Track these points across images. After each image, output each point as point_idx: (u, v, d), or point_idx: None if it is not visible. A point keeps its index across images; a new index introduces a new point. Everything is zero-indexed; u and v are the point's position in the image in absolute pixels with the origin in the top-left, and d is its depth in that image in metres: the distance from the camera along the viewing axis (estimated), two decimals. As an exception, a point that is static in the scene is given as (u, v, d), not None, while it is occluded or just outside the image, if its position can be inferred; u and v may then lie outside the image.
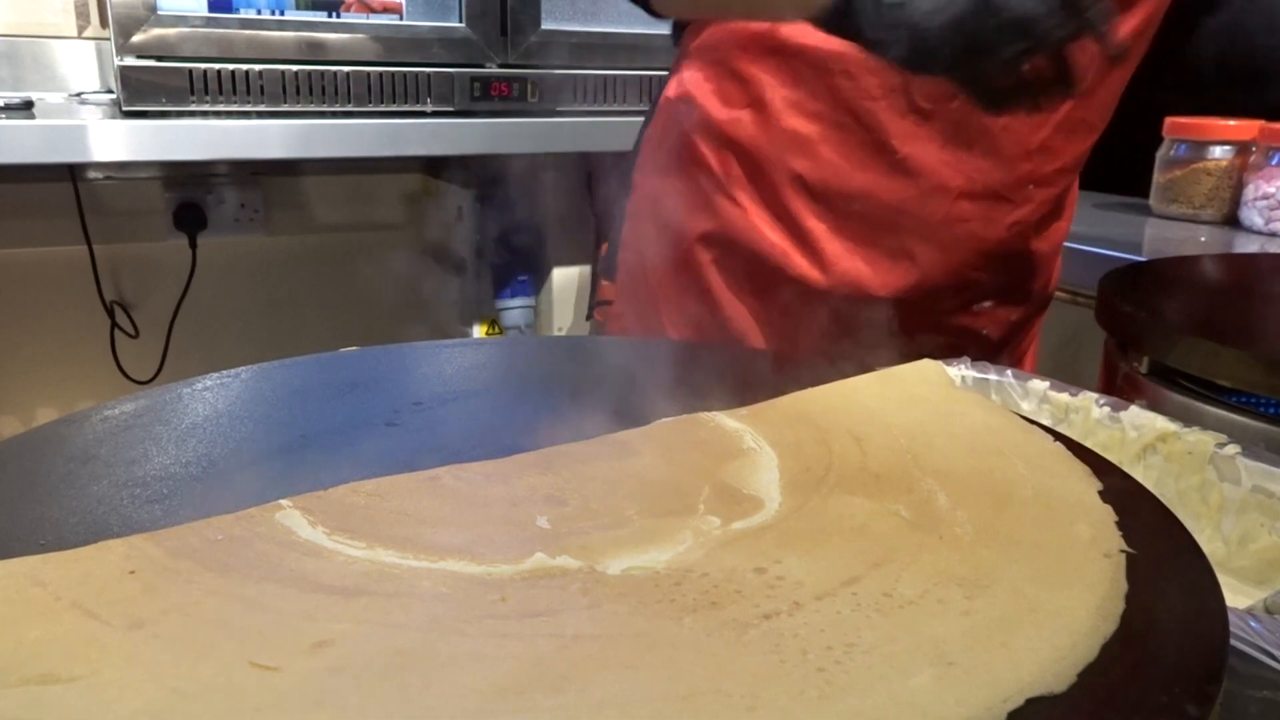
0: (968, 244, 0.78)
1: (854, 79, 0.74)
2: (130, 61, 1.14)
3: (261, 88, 1.18)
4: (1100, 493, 0.35)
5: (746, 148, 0.78)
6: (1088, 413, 0.51)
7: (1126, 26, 0.73)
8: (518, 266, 1.49)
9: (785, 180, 0.77)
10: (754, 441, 0.40)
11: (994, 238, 0.78)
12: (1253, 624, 0.29)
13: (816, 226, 0.77)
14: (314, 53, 1.21)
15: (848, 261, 0.76)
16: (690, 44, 0.85)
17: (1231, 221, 1.11)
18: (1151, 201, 1.18)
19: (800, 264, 0.76)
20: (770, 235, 0.78)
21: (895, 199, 0.76)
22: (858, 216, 0.76)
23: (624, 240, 0.86)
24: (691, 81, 0.81)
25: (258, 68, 1.18)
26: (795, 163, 0.77)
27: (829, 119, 0.75)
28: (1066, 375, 0.55)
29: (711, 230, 0.79)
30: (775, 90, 0.77)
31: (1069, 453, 0.39)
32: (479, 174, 1.44)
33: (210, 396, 0.47)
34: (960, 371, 0.55)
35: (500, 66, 1.31)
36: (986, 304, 0.81)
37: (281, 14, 1.21)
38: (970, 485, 0.35)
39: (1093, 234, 1.05)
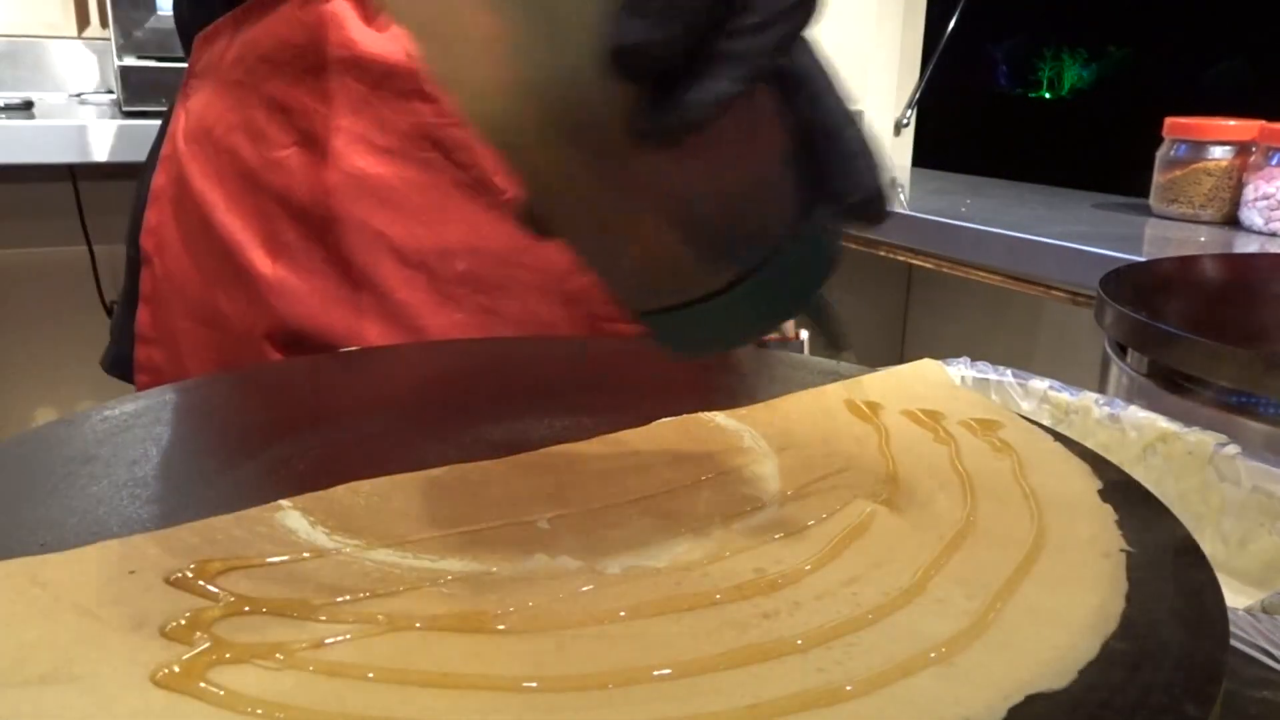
0: (599, 292, 0.63)
1: (434, 101, 0.57)
2: (130, 61, 1.14)
3: (261, 88, 1.18)
4: (1100, 492, 0.35)
5: (298, 203, 0.58)
6: (1088, 413, 0.51)
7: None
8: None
9: (365, 243, 0.58)
10: (754, 441, 0.40)
11: None
12: (1253, 624, 0.29)
13: (414, 300, 0.60)
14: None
15: (458, 338, 0.61)
16: (201, 59, 0.63)
17: (1231, 221, 1.11)
18: (1151, 201, 1.18)
19: None
20: (346, 320, 0.59)
21: (507, 249, 0.60)
22: (465, 280, 0.61)
23: (147, 361, 0.64)
24: (207, 113, 0.61)
25: (258, 68, 1.17)
26: (372, 218, 0.58)
27: (409, 156, 0.58)
28: (1066, 375, 0.55)
29: (274, 327, 0.59)
30: (329, 121, 0.57)
31: (1069, 452, 0.39)
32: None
33: (210, 396, 0.47)
34: (960, 371, 0.55)
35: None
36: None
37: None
38: (970, 485, 0.35)
39: (1093, 234, 1.05)
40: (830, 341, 0.33)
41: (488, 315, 0.63)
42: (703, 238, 0.28)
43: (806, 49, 0.32)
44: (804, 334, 0.85)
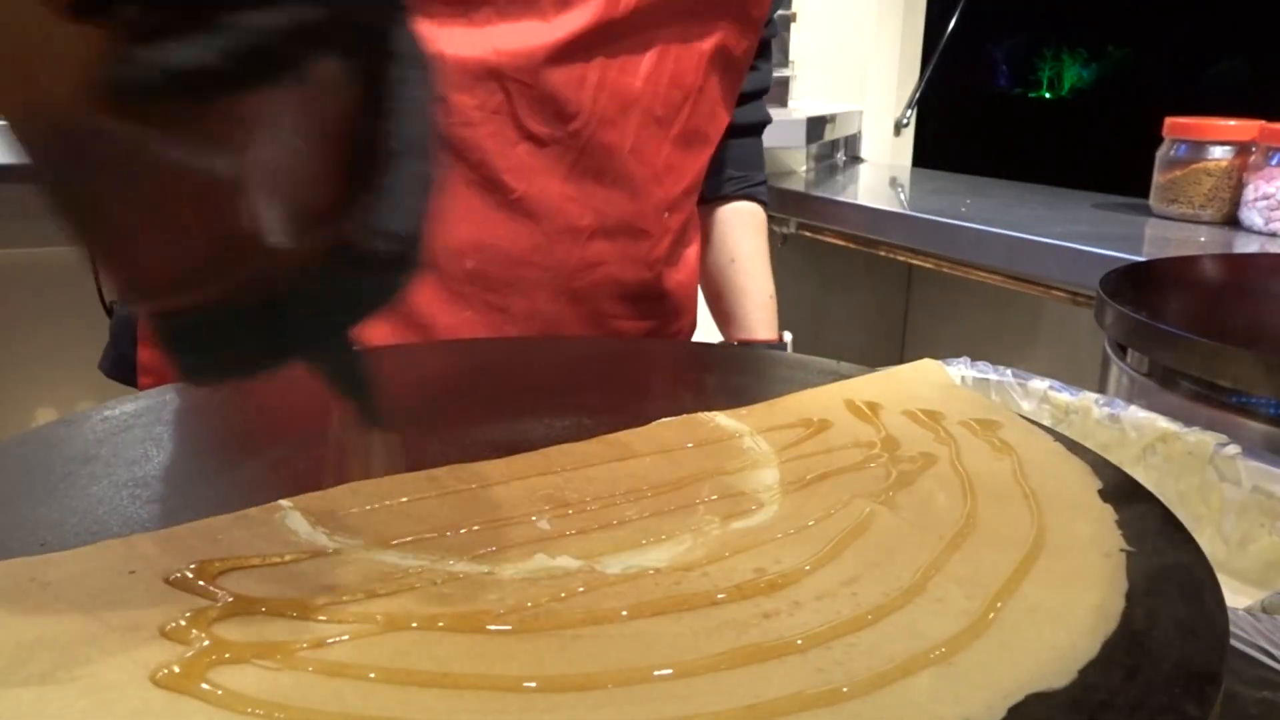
0: (606, 290, 0.67)
1: (443, 100, 0.57)
2: (130, 61, 1.14)
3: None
4: (1100, 492, 0.35)
5: None
6: (1088, 413, 0.51)
7: (720, 31, 0.68)
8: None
9: None
10: (753, 441, 0.40)
11: (633, 279, 0.69)
12: (1253, 624, 0.29)
13: (423, 298, 0.62)
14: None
15: (467, 336, 0.62)
16: None
17: (1231, 221, 1.11)
18: (1151, 201, 1.18)
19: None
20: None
21: (516, 249, 0.62)
22: (474, 278, 0.62)
23: (151, 363, 0.64)
24: None
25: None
26: None
27: None
28: (1066, 375, 0.55)
29: None
30: None
31: (1069, 452, 0.39)
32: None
33: (210, 396, 0.47)
34: (960, 371, 0.55)
35: None
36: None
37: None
38: (970, 485, 0.35)
39: (1093, 234, 1.05)
40: (355, 402, 0.31)
41: (496, 313, 0.63)
42: (206, 231, 0.25)
43: (406, 64, 0.27)
44: (788, 335, 0.85)
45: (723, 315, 0.86)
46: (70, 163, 0.24)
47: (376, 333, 0.61)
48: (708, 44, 0.68)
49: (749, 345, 0.83)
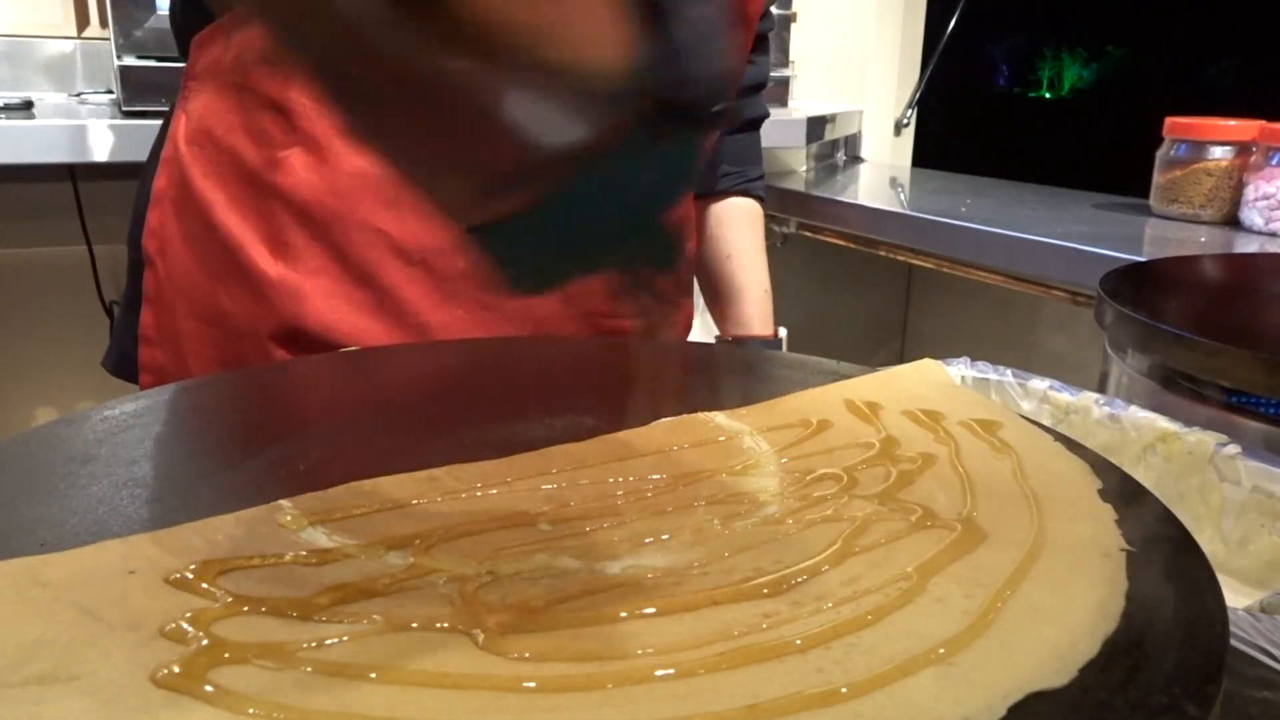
0: (598, 289, 0.65)
1: None
2: (130, 61, 1.14)
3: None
4: (1100, 492, 0.35)
5: (300, 202, 0.58)
6: (1088, 413, 0.51)
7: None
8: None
9: (367, 242, 0.59)
10: (754, 441, 0.40)
11: (626, 277, 0.69)
12: (1253, 624, 0.29)
13: (415, 297, 0.61)
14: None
15: (460, 334, 0.61)
16: (199, 61, 0.62)
17: (1231, 221, 1.11)
18: (1151, 201, 1.18)
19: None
20: (349, 318, 0.59)
21: None
22: (465, 277, 0.61)
23: (151, 362, 0.65)
24: (208, 115, 0.60)
25: (257, 68, 1.17)
26: (374, 217, 0.59)
27: None
28: (1066, 375, 0.55)
29: (278, 326, 0.59)
30: (325, 120, 0.57)
31: (1069, 452, 0.39)
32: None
33: (211, 396, 0.47)
34: (960, 371, 0.55)
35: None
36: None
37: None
38: (970, 485, 0.35)
39: (1093, 234, 1.05)
40: (657, 263, 0.30)
41: (489, 312, 0.63)
42: (519, 135, 0.23)
43: None
44: (783, 331, 0.85)
45: (719, 311, 0.86)
46: (365, 82, 0.23)
47: (370, 333, 0.61)
48: None
49: (744, 341, 0.83)
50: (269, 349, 0.60)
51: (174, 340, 0.64)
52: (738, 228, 0.84)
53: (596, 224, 0.26)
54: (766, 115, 0.87)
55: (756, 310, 0.83)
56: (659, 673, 0.24)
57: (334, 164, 0.58)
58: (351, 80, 0.23)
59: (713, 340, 0.88)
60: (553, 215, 0.25)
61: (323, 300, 0.60)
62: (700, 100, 0.25)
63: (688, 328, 0.81)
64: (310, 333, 0.60)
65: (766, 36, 0.82)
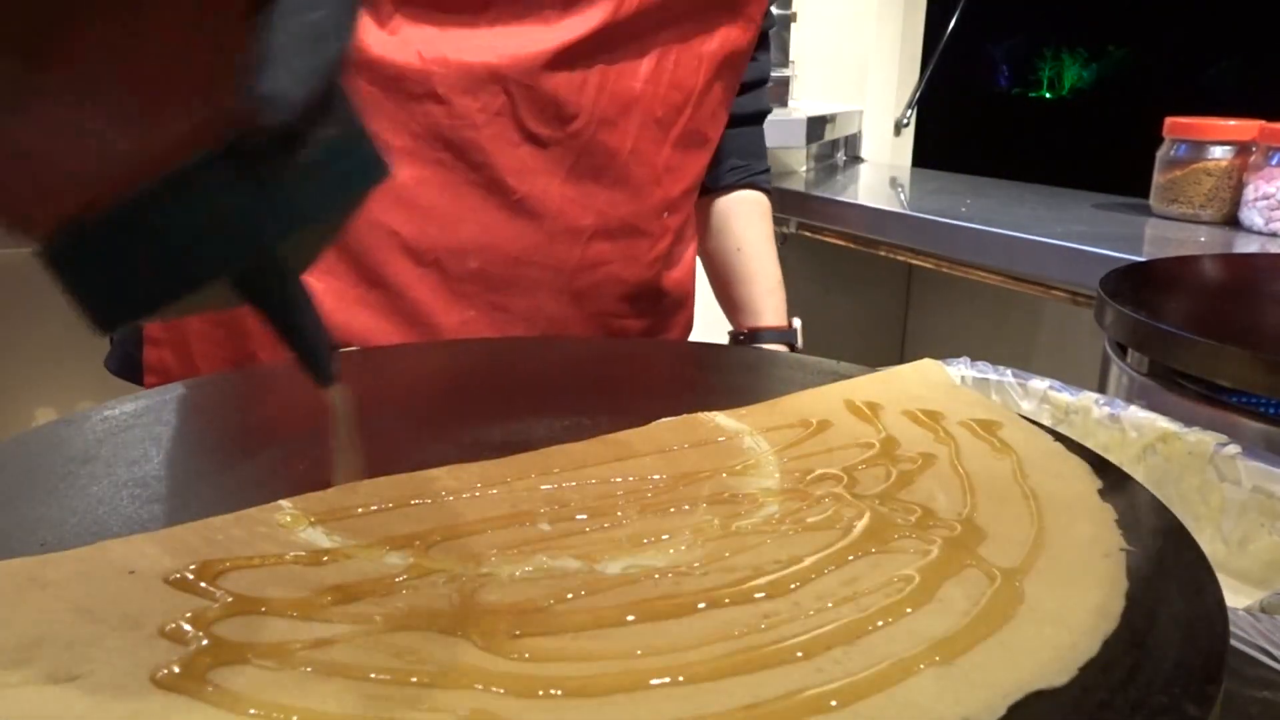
0: (607, 290, 0.68)
1: (447, 103, 0.59)
2: (130, 61, 1.14)
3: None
4: (1100, 492, 0.35)
5: None
6: (1088, 413, 0.51)
7: (722, 33, 0.68)
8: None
9: (378, 242, 0.61)
10: (754, 441, 0.40)
11: (634, 278, 0.69)
12: (1253, 624, 0.29)
13: (426, 298, 0.62)
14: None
15: (471, 335, 0.62)
16: None
17: (1231, 221, 1.11)
18: (1151, 201, 1.18)
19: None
20: (359, 318, 0.61)
21: (518, 249, 0.63)
22: (476, 278, 0.63)
23: (157, 363, 0.65)
24: None
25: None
26: (385, 217, 0.60)
27: (421, 156, 0.60)
28: (1066, 375, 0.55)
29: None
30: None
31: (1069, 452, 0.39)
32: None
33: (211, 396, 0.47)
34: (960, 371, 0.55)
35: None
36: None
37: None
38: (970, 485, 0.35)
39: (1093, 234, 1.05)
40: (297, 352, 0.27)
41: (498, 312, 0.64)
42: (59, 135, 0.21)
43: None
44: (796, 322, 0.85)
45: (731, 303, 0.86)
46: None
47: (381, 333, 0.61)
48: (709, 46, 0.68)
49: (758, 333, 0.83)
50: (279, 348, 0.60)
51: (182, 341, 0.64)
52: (746, 220, 0.84)
53: (180, 253, 0.23)
54: (768, 110, 0.87)
55: (769, 301, 0.83)
56: (659, 673, 0.24)
57: None
58: None
59: (721, 335, 0.88)
60: (123, 234, 0.23)
61: (334, 301, 0.61)
62: (278, 125, 0.22)
63: (688, 328, 0.81)
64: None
65: (767, 33, 0.82)
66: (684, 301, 0.78)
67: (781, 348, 0.82)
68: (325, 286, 0.61)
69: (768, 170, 0.87)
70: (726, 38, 0.69)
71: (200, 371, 0.64)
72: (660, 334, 0.76)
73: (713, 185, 0.82)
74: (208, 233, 0.22)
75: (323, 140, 0.23)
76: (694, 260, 0.79)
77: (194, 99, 0.21)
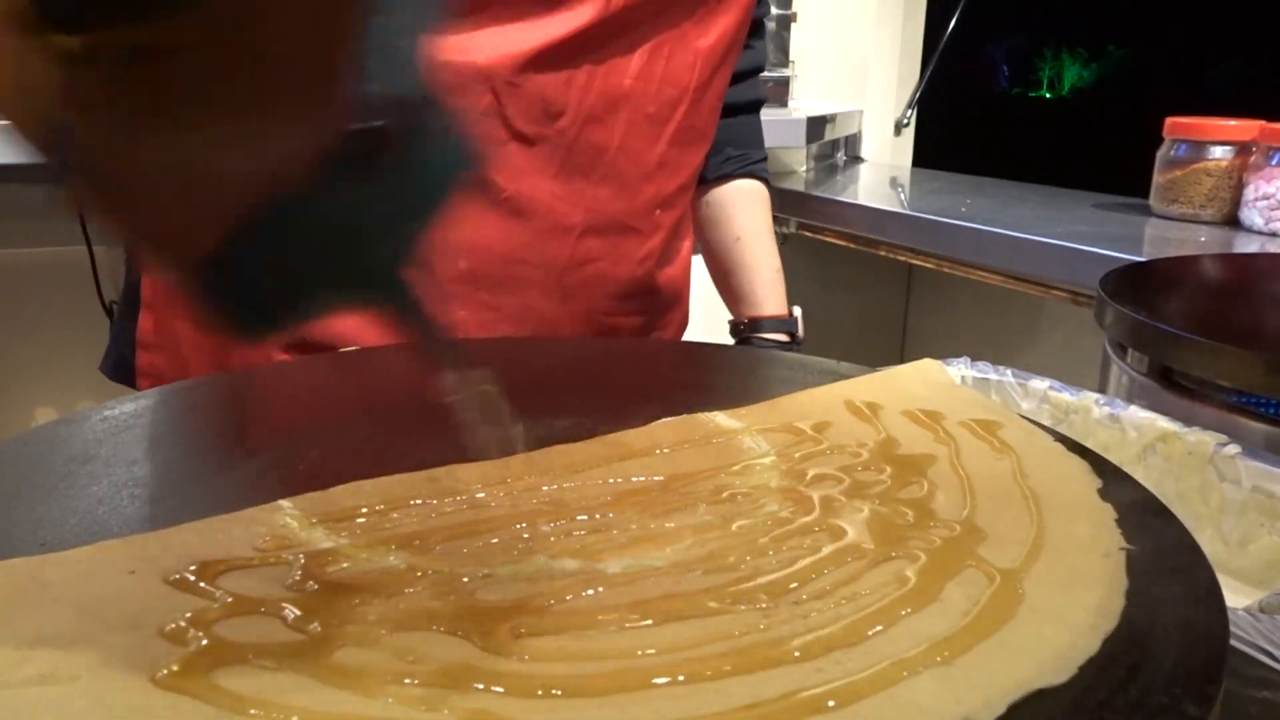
0: (598, 287, 0.68)
1: None
2: (130, 61, 1.14)
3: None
4: (1100, 492, 0.35)
5: None
6: (1088, 413, 0.51)
7: (718, 28, 0.68)
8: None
9: None
10: (753, 441, 0.40)
11: (625, 276, 0.69)
12: (1253, 624, 0.29)
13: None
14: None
15: (461, 335, 0.61)
16: None
17: (1231, 221, 1.11)
18: (1151, 201, 1.18)
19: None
20: (347, 320, 0.60)
21: (507, 248, 0.63)
22: (467, 278, 0.63)
23: (150, 367, 0.66)
24: None
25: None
26: None
27: None
28: (1066, 375, 0.55)
29: None
30: None
31: (1069, 452, 0.39)
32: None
33: (210, 396, 0.47)
34: (960, 371, 0.55)
35: None
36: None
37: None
38: (970, 485, 0.35)
39: (1093, 234, 1.05)
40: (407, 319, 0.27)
41: (489, 312, 0.64)
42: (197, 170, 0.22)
43: None
44: (797, 310, 0.84)
45: (731, 293, 0.86)
46: (61, 144, 0.22)
47: (370, 334, 0.61)
48: (705, 42, 0.68)
49: (759, 322, 0.83)
50: (269, 352, 0.60)
51: (174, 345, 0.65)
52: (744, 209, 0.84)
53: (314, 263, 0.24)
54: (764, 98, 0.87)
55: (769, 290, 0.83)
56: (659, 673, 0.24)
57: None
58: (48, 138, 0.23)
59: (719, 335, 0.88)
60: (258, 250, 0.24)
61: None
62: (390, 127, 0.23)
63: (683, 326, 0.81)
64: (311, 335, 0.61)
65: (762, 21, 0.82)
66: (678, 299, 0.77)
67: (782, 336, 0.82)
68: None
69: (765, 159, 0.86)
70: (723, 31, 0.69)
71: (192, 375, 0.63)
72: (654, 332, 0.75)
73: (710, 175, 0.82)
74: (339, 237, 0.24)
75: (430, 133, 0.23)
76: (690, 257, 0.79)
77: (312, 107, 0.22)
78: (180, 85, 0.21)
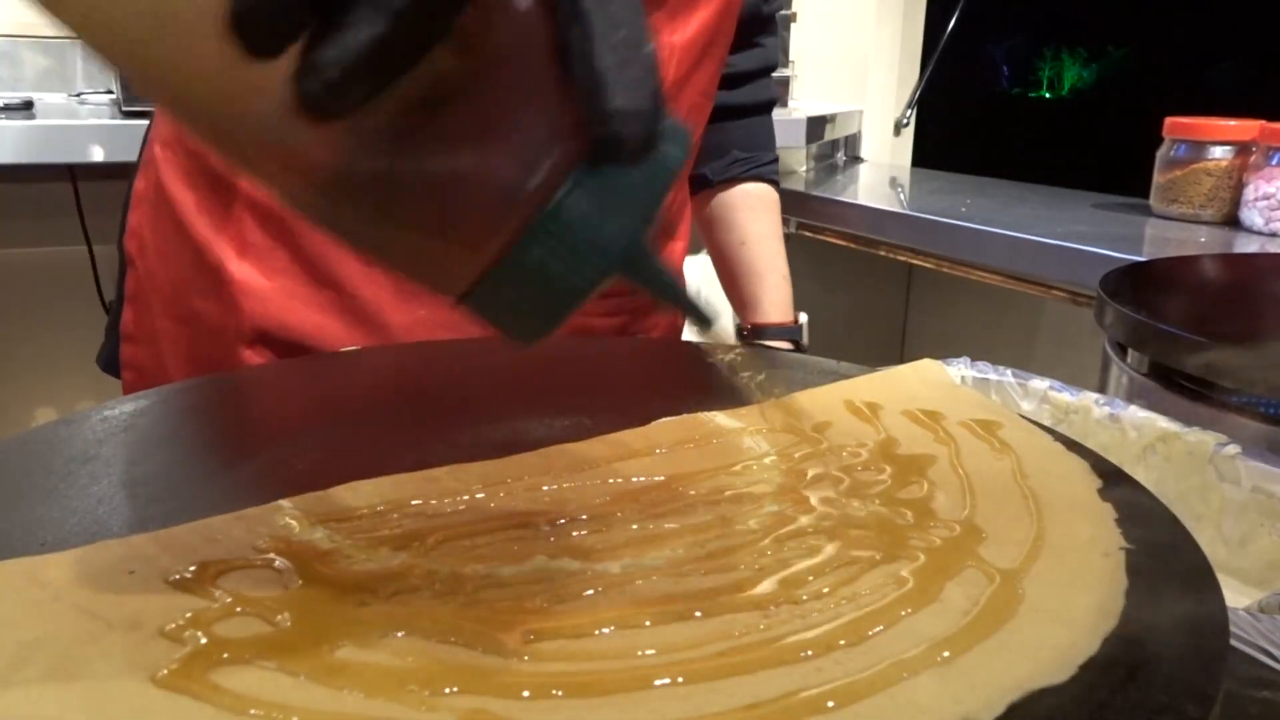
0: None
1: None
2: (130, 62, 1.14)
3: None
4: (1100, 492, 0.35)
5: (264, 204, 0.60)
6: (1088, 413, 0.51)
7: (695, 23, 0.66)
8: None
9: (327, 242, 0.58)
10: (753, 441, 0.40)
11: None
12: (1253, 624, 0.29)
13: (376, 296, 0.61)
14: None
15: (423, 335, 0.61)
16: (162, 124, 0.65)
17: (1231, 221, 1.11)
18: (1151, 201, 1.18)
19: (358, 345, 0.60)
20: (312, 319, 0.60)
21: None
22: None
23: (131, 359, 0.67)
24: (168, 179, 0.62)
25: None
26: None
27: None
28: (1066, 375, 0.55)
29: (245, 326, 0.61)
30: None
31: (1069, 452, 0.39)
32: None
33: (210, 397, 0.47)
34: (960, 371, 0.55)
35: None
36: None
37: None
38: (970, 485, 0.35)
39: (1093, 234, 1.05)
40: (669, 301, 0.29)
41: (450, 311, 0.63)
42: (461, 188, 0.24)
43: None
44: (803, 317, 0.84)
45: (737, 298, 0.85)
46: (338, 201, 0.25)
47: (329, 332, 0.60)
48: (683, 36, 0.66)
49: (763, 329, 0.82)
50: (238, 349, 0.61)
51: (152, 339, 0.65)
52: (751, 213, 0.83)
53: (573, 267, 0.26)
54: (775, 98, 0.85)
55: (775, 297, 0.82)
56: (659, 673, 0.24)
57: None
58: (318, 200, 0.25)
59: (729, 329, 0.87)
60: (522, 267, 0.26)
61: (284, 300, 0.61)
62: (634, 131, 0.24)
63: (675, 329, 0.80)
64: (273, 332, 0.60)
65: (773, 16, 0.80)
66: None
67: (786, 345, 0.81)
68: (274, 286, 0.60)
69: (775, 161, 0.85)
70: (701, 26, 0.67)
71: (169, 368, 0.64)
72: (635, 334, 0.74)
73: (716, 178, 0.81)
74: (593, 242, 0.26)
75: (665, 129, 0.25)
76: (683, 257, 0.77)
77: (554, 128, 0.25)
78: (454, 126, 0.24)
